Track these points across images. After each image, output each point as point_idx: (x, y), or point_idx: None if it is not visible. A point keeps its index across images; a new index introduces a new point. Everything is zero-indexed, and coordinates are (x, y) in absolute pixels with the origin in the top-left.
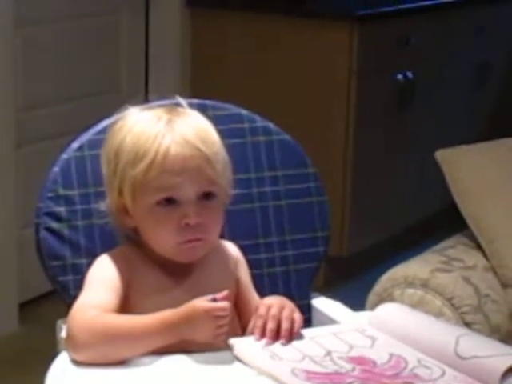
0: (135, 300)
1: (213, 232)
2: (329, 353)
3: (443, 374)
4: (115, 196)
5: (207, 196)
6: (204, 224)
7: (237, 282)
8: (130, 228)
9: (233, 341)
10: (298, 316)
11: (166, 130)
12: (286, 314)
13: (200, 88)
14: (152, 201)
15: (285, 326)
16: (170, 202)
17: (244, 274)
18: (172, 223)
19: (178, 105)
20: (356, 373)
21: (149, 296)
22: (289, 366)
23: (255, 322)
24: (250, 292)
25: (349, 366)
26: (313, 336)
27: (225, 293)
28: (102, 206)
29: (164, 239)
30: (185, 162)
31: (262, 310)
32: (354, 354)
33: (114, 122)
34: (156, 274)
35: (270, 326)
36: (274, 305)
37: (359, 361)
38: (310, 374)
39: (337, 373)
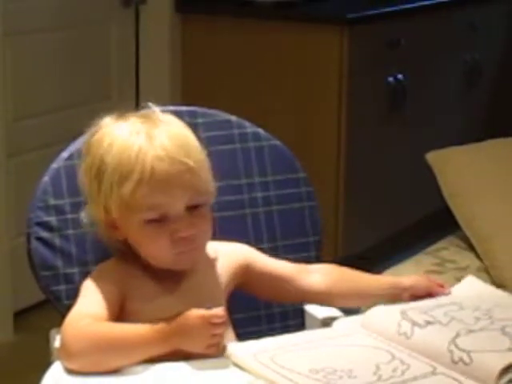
0: (129, 309)
1: (205, 238)
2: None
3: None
4: (102, 213)
5: (196, 206)
6: (196, 233)
7: (246, 263)
8: (119, 241)
9: (230, 347)
10: None
11: (146, 145)
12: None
13: (191, 93)
14: (142, 219)
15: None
16: (160, 218)
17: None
18: (165, 237)
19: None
20: None
21: (142, 304)
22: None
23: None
24: (265, 258)
25: None
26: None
27: (221, 308)
28: (83, 217)
29: (160, 253)
30: (171, 178)
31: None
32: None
33: (91, 134)
34: (148, 282)
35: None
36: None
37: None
38: None
39: None
